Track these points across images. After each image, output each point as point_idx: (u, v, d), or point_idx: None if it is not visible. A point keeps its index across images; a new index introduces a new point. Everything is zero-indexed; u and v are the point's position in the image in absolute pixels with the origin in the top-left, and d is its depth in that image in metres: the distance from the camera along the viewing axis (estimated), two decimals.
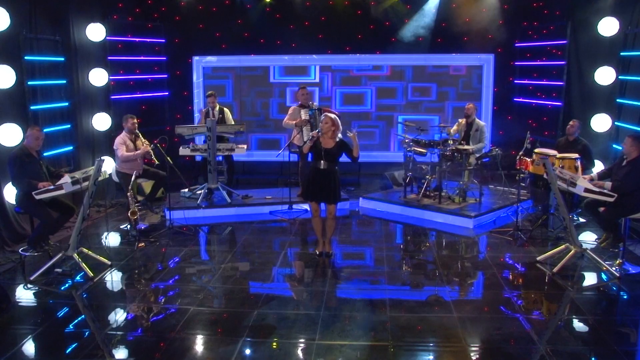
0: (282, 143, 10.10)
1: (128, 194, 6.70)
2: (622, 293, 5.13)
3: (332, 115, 5.80)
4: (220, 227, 7.39)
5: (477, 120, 8.30)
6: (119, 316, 4.70)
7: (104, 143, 8.70)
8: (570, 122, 7.20)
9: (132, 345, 4.22)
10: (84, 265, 5.46)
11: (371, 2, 9.84)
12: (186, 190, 8.12)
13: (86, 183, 5.59)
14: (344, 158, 5.93)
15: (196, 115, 10.21)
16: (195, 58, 10.32)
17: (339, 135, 5.79)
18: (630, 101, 7.44)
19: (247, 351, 4.08)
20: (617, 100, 7.70)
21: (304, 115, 7.83)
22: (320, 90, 10.32)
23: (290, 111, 8.05)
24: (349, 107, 10.34)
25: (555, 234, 6.66)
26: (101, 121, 8.63)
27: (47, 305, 4.88)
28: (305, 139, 7.42)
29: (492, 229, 7.06)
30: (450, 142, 7.80)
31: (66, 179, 5.60)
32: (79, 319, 4.67)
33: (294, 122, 7.88)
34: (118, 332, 4.39)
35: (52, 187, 5.64)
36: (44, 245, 6.16)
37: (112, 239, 6.79)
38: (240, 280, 5.49)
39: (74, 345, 4.13)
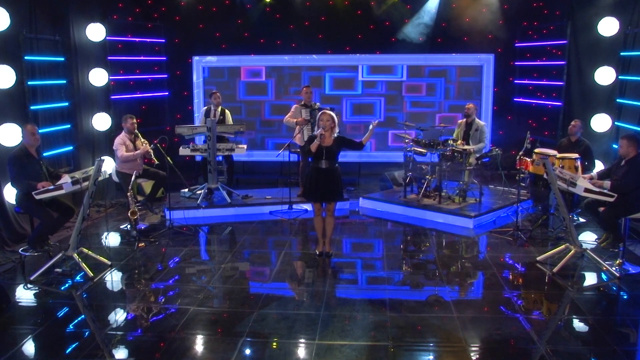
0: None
1: (128, 194, 6.70)
2: (622, 293, 5.13)
3: (330, 112, 5.81)
4: (220, 227, 7.39)
5: (477, 120, 8.29)
6: (119, 316, 4.70)
7: (104, 143, 8.71)
8: (572, 123, 7.19)
9: (132, 345, 4.22)
10: (84, 265, 5.46)
11: (371, 2, 9.84)
12: (186, 190, 8.12)
13: (86, 183, 5.58)
14: (342, 158, 5.94)
15: (196, 115, 10.22)
16: (195, 58, 10.32)
17: (336, 131, 5.80)
18: (630, 101, 7.43)
19: (247, 351, 4.08)
20: (617, 100, 7.70)
21: (304, 114, 7.85)
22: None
23: (292, 109, 8.08)
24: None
25: (555, 234, 6.65)
26: (101, 121, 8.63)
27: (47, 305, 4.88)
28: (305, 139, 7.43)
29: (492, 229, 7.06)
30: (451, 142, 7.80)
31: (66, 179, 5.60)
32: (79, 319, 4.67)
33: (294, 120, 7.91)
34: (118, 332, 4.38)
35: (51, 187, 5.63)
36: (44, 245, 6.16)
37: (112, 239, 6.79)
38: (240, 280, 5.50)
39: (74, 345, 4.13)
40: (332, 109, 7.83)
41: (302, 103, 8.04)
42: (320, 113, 5.81)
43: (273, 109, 10.47)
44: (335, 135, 5.79)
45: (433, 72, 10.22)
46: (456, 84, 10.23)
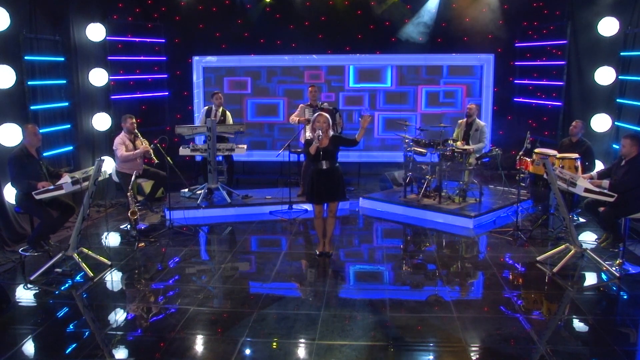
0: None
1: (128, 194, 6.70)
2: (622, 293, 5.13)
3: (325, 113, 5.81)
4: (220, 227, 7.39)
5: (477, 120, 8.29)
6: (119, 316, 4.70)
7: (104, 143, 8.71)
8: (573, 123, 7.18)
9: (132, 345, 4.22)
10: (84, 265, 5.46)
11: (371, 2, 9.85)
12: (186, 190, 8.13)
13: (86, 183, 5.59)
14: (342, 158, 5.93)
15: (196, 115, 10.22)
16: (195, 58, 10.33)
17: (330, 131, 5.80)
18: (630, 101, 7.43)
19: (247, 351, 4.08)
20: (617, 100, 7.70)
21: (307, 114, 7.86)
22: None
23: (298, 109, 8.15)
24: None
25: (555, 234, 6.65)
26: (101, 121, 8.63)
27: (47, 305, 4.88)
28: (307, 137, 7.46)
29: (492, 229, 7.06)
30: (450, 141, 7.80)
31: (66, 179, 5.60)
32: (79, 319, 4.67)
33: (297, 119, 7.95)
34: (118, 332, 4.39)
35: (51, 187, 5.64)
36: (44, 245, 6.16)
37: (112, 239, 6.79)
38: (240, 280, 5.50)
39: (74, 345, 4.13)
40: (336, 110, 7.89)
41: (309, 103, 8.07)
42: (316, 115, 5.80)
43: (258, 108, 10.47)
44: (331, 134, 5.79)
45: (433, 69, 10.24)
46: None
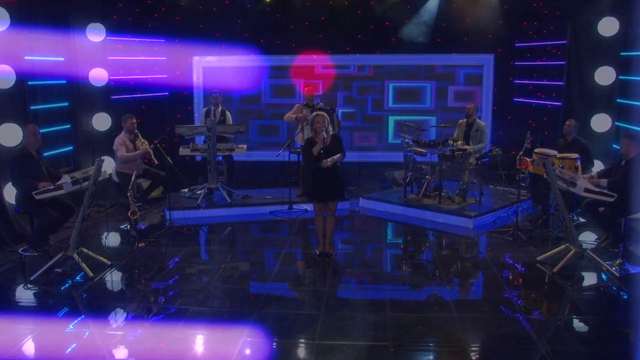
0: None
1: (128, 194, 6.70)
2: (622, 293, 5.14)
3: (322, 112, 5.80)
4: (220, 227, 7.39)
5: (477, 120, 8.28)
6: (119, 316, 4.71)
7: (104, 143, 8.68)
8: (567, 122, 7.19)
9: (132, 345, 4.22)
10: (84, 265, 5.46)
11: (371, 2, 9.84)
12: (186, 190, 8.12)
13: (86, 183, 5.59)
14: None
15: (196, 115, 10.22)
16: (195, 58, 10.32)
17: (330, 129, 5.80)
18: (630, 101, 7.44)
19: (247, 351, 4.08)
20: (617, 100, 7.70)
21: (305, 113, 7.85)
22: None
23: (294, 108, 8.11)
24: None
25: (555, 234, 6.65)
26: (101, 121, 8.62)
27: (47, 305, 4.88)
28: (306, 137, 7.45)
29: (492, 229, 7.06)
30: (450, 142, 7.80)
31: (66, 179, 5.60)
32: (79, 319, 4.67)
33: (294, 116, 7.91)
34: (118, 332, 4.39)
35: (52, 187, 5.64)
36: (44, 245, 6.16)
37: (112, 239, 6.79)
38: (240, 280, 5.50)
39: (73, 345, 4.13)
40: (333, 110, 7.86)
41: (304, 103, 8.05)
42: (313, 115, 5.80)
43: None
44: (331, 132, 5.78)
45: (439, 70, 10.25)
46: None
